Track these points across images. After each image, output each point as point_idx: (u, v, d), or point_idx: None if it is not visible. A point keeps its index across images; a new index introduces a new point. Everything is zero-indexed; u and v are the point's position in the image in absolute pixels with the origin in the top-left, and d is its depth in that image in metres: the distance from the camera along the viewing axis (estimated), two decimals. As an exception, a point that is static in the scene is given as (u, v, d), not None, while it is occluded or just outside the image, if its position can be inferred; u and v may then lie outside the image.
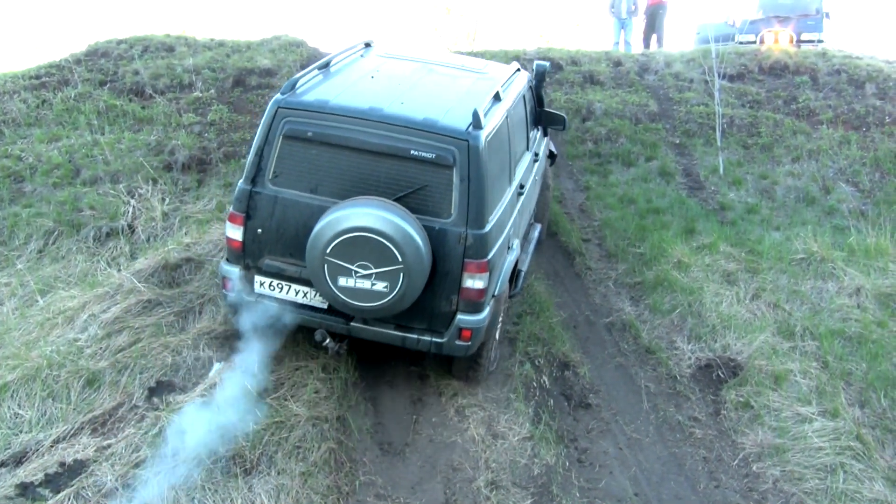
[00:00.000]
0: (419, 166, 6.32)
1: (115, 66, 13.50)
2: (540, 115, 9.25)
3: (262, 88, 13.10)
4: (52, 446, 5.94)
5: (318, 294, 6.54)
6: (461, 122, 6.44)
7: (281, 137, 6.46)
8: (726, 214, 11.17)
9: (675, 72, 15.30)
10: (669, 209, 10.98)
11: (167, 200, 10.22)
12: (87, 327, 7.36)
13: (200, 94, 12.77)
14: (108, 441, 5.96)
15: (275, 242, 6.60)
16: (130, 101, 12.57)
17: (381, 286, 6.14)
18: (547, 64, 9.50)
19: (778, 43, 17.14)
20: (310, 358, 7.03)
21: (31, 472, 5.66)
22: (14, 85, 12.83)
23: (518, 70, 8.39)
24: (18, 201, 10.30)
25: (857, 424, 6.80)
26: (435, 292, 6.44)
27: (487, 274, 6.46)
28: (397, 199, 6.25)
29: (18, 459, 5.85)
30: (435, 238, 6.27)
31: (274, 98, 6.57)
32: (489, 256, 6.45)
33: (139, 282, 7.97)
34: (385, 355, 7.75)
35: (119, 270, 8.53)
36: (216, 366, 6.80)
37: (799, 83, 14.51)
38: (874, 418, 7.02)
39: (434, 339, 6.61)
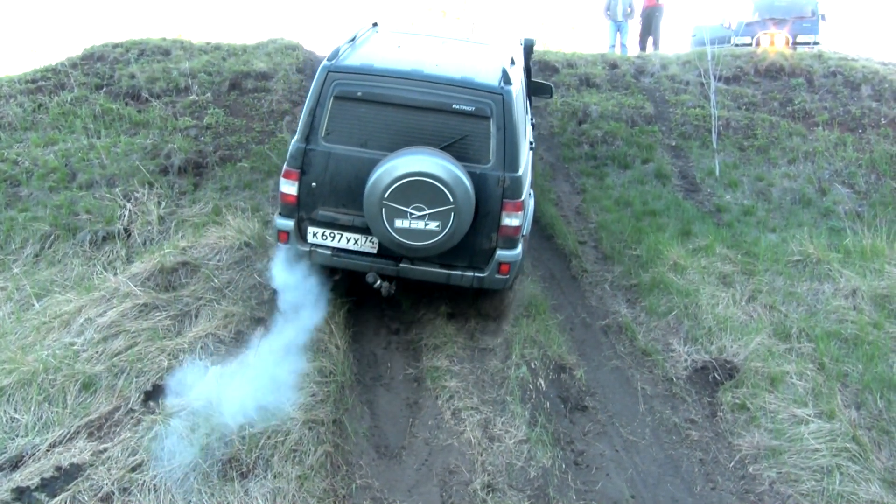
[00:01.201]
0: (460, 118, 7.10)
1: (112, 70, 13.51)
2: (529, 85, 10.04)
3: (258, 92, 13.10)
4: (48, 450, 5.93)
5: (368, 239, 7.36)
6: (493, 79, 7.26)
7: (332, 98, 7.14)
8: (722, 216, 11.18)
9: (671, 74, 15.32)
10: (665, 211, 10.99)
11: (163, 204, 10.21)
12: (84, 331, 7.36)
13: (196, 98, 12.77)
14: (105, 445, 5.95)
15: (328, 194, 7.29)
16: (126, 104, 12.57)
17: (433, 225, 6.88)
18: (534, 39, 10.33)
19: (774, 45, 17.16)
20: (306, 361, 7.02)
21: (27, 476, 5.65)
22: (10, 89, 12.83)
23: (513, 43, 9.30)
24: (14, 205, 10.29)
25: (854, 426, 6.79)
26: (477, 231, 7.20)
27: (522, 212, 7.34)
28: (442, 149, 7.02)
29: (15, 464, 5.84)
30: (476, 182, 7.03)
31: (322, 65, 7.24)
32: (523, 197, 7.32)
33: (135, 285, 7.96)
34: (383, 352, 7.80)
35: (115, 274, 8.52)
36: (212, 369, 6.80)
37: (795, 85, 14.53)
38: (870, 420, 7.02)
39: (476, 275, 7.42)
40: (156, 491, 5.58)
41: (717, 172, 12.29)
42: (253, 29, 21.58)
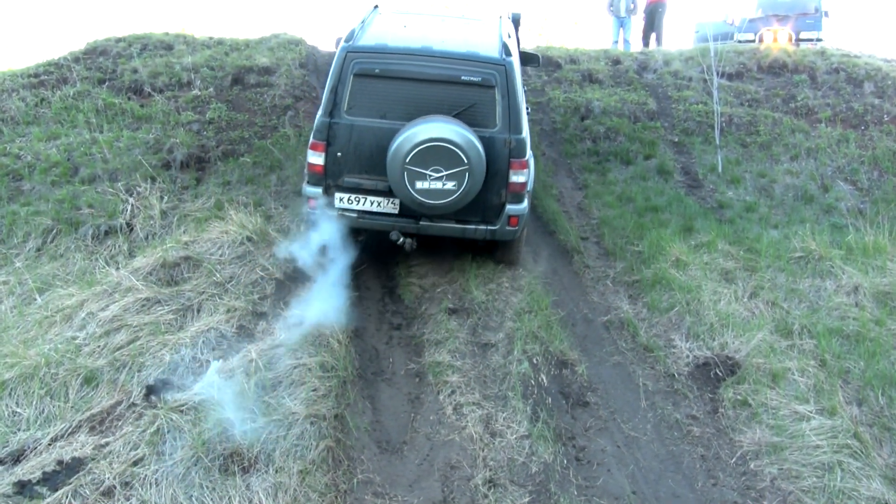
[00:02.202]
0: (468, 88, 7.97)
1: (114, 65, 13.51)
2: (519, 55, 10.72)
3: (260, 87, 13.10)
4: (50, 444, 5.94)
5: (390, 201, 8.18)
6: (496, 52, 8.20)
7: (352, 76, 7.96)
8: (724, 213, 11.17)
9: (674, 70, 15.31)
10: (668, 207, 10.98)
11: (165, 199, 10.22)
12: (86, 325, 7.37)
13: (199, 93, 12.77)
14: (106, 439, 5.95)
15: (352, 162, 8.13)
16: (129, 99, 12.58)
17: (450, 185, 7.70)
18: (520, 13, 11.10)
19: (777, 42, 17.17)
20: (308, 356, 7.02)
21: (29, 470, 5.66)
22: (13, 83, 12.84)
23: (503, 18, 9.98)
24: (17, 199, 10.30)
25: (855, 422, 6.78)
26: (488, 189, 8.04)
27: (527, 170, 8.24)
28: (454, 116, 7.86)
29: (16, 457, 5.85)
30: (486, 144, 7.84)
31: (341, 46, 8.06)
32: (527, 156, 8.21)
33: (137, 280, 7.97)
34: (385, 347, 7.81)
35: (117, 269, 8.53)
36: (214, 364, 6.80)
37: (797, 82, 14.52)
38: (872, 416, 7.01)
39: (489, 228, 8.32)
40: (157, 485, 5.58)
41: (720, 169, 12.28)
42: (256, 24, 21.55)
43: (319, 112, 8.09)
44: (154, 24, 17.19)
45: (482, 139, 7.80)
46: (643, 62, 15.87)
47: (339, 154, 8.08)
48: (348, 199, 8.23)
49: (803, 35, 19.03)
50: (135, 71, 13.20)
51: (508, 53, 8.12)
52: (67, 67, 13.30)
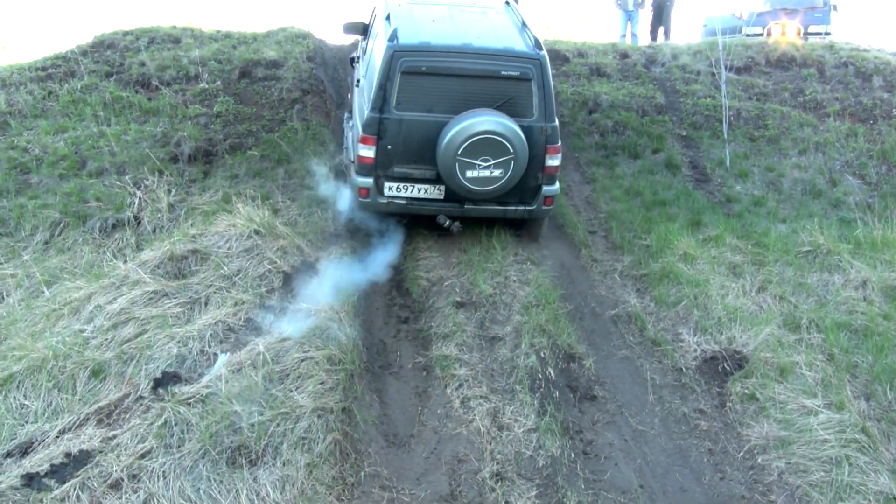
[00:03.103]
0: (508, 82, 8.56)
1: (122, 58, 13.51)
2: None
3: (268, 80, 13.09)
4: (57, 437, 5.96)
5: (436, 188, 8.85)
6: (530, 46, 8.81)
7: (399, 73, 8.45)
8: (732, 207, 11.15)
9: (682, 64, 15.25)
10: (675, 201, 10.96)
11: (173, 192, 10.23)
12: (93, 318, 7.38)
13: (206, 86, 12.77)
14: (114, 432, 5.97)
15: (402, 154, 8.71)
16: (136, 92, 12.59)
17: (497, 173, 8.42)
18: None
19: (785, 35, 17.08)
20: (315, 349, 7.03)
21: (36, 462, 5.68)
22: (20, 76, 12.85)
23: (509, 3, 10.65)
24: (25, 192, 10.32)
25: (863, 417, 6.77)
26: (527, 173, 8.68)
27: (560, 154, 8.99)
28: (496, 108, 8.46)
29: (24, 450, 5.87)
30: (526, 133, 8.45)
31: (387, 45, 8.47)
32: (559, 142, 8.90)
33: (145, 273, 7.98)
34: (393, 340, 7.81)
35: (125, 262, 8.54)
36: (222, 357, 6.81)
37: (806, 76, 14.46)
38: (880, 411, 6.99)
39: (527, 208, 9.08)
40: (165, 478, 5.60)
41: (728, 163, 12.25)
42: (263, 17, 21.54)
43: (368, 108, 8.60)
44: (161, 18, 17.22)
45: (522, 128, 8.39)
46: (651, 56, 15.82)
47: (388, 147, 8.62)
48: (397, 188, 8.84)
49: (812, 29, 18.96)
50: (142, 64, 13.21)
51: (540, 47, 8.71)
52: (75, 61, 13.31)
